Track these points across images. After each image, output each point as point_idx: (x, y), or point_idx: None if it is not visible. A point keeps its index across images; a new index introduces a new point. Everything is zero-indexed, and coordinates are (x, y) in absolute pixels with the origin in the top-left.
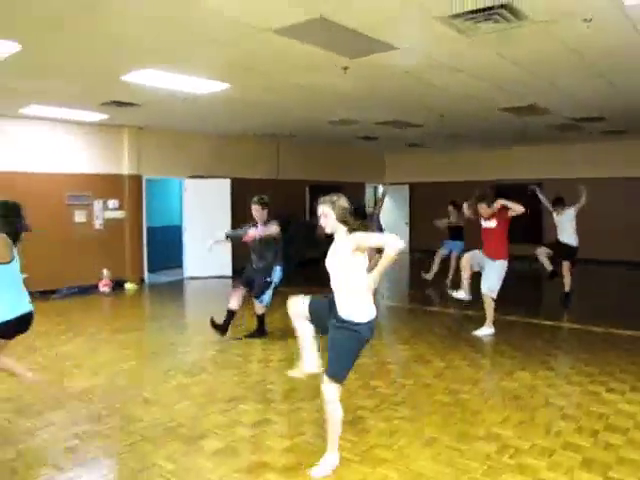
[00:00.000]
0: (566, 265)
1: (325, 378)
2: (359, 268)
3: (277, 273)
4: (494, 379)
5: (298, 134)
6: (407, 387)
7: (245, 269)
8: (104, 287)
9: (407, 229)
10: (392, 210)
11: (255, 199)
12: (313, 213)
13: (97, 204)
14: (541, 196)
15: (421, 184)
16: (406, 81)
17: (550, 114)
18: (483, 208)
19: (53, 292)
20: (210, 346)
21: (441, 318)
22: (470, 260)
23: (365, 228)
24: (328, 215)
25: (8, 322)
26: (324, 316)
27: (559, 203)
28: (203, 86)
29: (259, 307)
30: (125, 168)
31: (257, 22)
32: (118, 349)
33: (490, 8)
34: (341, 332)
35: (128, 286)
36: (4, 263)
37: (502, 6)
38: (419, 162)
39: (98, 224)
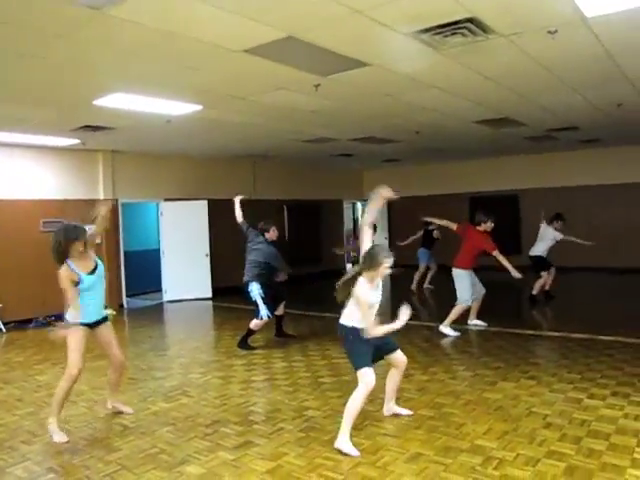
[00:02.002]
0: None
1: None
2: None
3: (252, 288)
4: (477, 391)
5: (273, 153)
6: None
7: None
8: None
9: (386, 244)
10: None
11: (260, 227)
12: (291, 232)
13: None
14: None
15: (399, 199)
16: (379, 97)
17: (524, 126)
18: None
19: (29, 321)
20: (190, 369)
21: (420, 331)
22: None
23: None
24: None
25: None
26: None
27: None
28: (176, 108)
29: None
30: (100, 192)
31: (227, 43)
32: (96, 377)
33: (457, 22)
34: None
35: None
36: None
37: (468, 20)
38: (397, 177)
39: None
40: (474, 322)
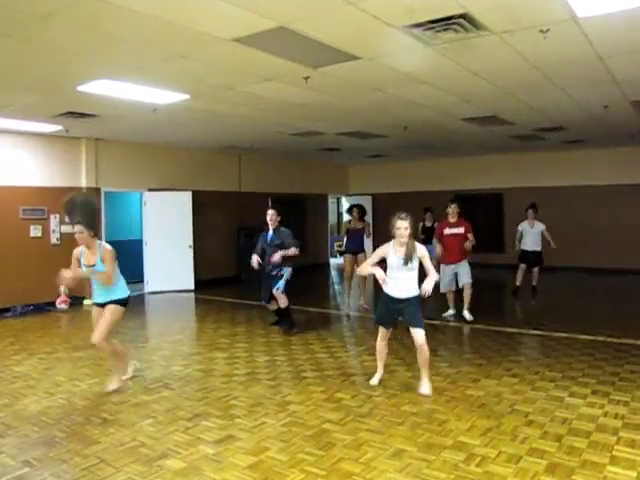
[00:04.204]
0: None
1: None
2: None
3: (287, 271)
4: (460, 387)
5: (259, 146)
6: (373, 398)
7: (262, 286)
8: (61, 304)
9: (370, 239)
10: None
11: (271, 205)
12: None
13: (53, 218)
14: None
15: (384, 195)
16: (369, 92)
17: (512, 125)
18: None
19: (7, 310)
20: (172, 361)
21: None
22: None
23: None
24: (409, 228)
25: None
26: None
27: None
28: (163, 97)
29: (280, 297)
30: (83, 181)
31: (217, 31)
32: (75, 368)
33: (449, 18)
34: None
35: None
36: None
37: (461, 16)
38: (382, 173)
39: (55, 239)
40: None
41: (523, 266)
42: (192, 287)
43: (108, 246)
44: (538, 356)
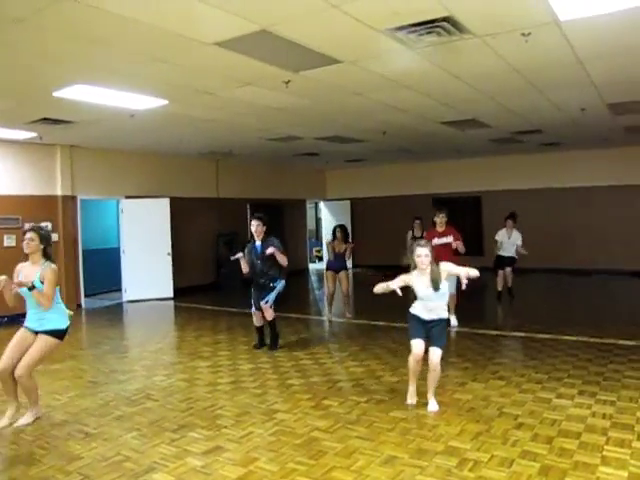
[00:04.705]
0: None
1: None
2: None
3: (281, 283)
4: (447, 392)
5: (238, 152)
6: (361, 405)
7: (253, 288)
8: None
9: (350, 260)
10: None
11: (255, 215)
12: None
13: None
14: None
15: (362, 199)
16: (349, 96)
17: (490, 128)
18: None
19: None
20: (154, 372)
21: (388, 332)
22: None
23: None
24: (429, 256)
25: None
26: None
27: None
28: (140, 102)
29: (267, 310)
30: (58, 189)
31: (199, 35)
32: (54, 380)
33: (433, 21)
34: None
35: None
36: None
37: (445, 19)
38: (360, 177)
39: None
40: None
41: (501, 272)
42: (171, 295)
43: (54, 266)
44: (523, 358)
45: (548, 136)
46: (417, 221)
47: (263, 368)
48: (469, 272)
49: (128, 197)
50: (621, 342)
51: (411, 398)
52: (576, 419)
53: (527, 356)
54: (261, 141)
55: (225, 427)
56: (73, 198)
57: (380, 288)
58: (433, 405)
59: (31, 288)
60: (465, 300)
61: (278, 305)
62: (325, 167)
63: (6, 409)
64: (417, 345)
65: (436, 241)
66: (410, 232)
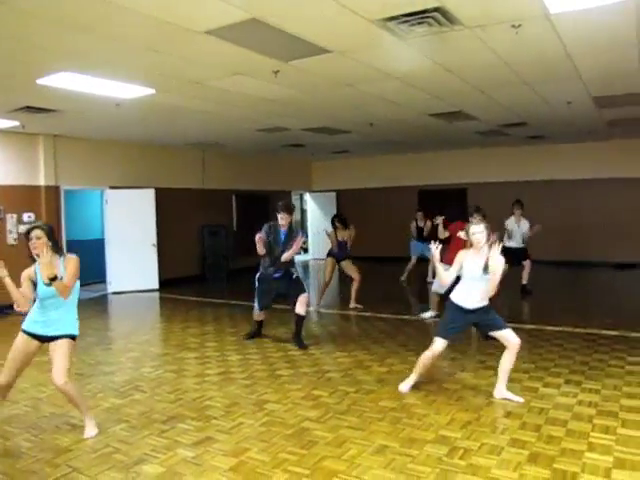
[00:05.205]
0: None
1: None
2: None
3: (294, 270)
4: (436, 381)
5: (224, 142)
6: (350, 395)
7: (264, 288)
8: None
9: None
10: (319, 218)
11: (283, 206)
12: (240, 222)
13: (10, 218)
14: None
15: (348, 191)
16: (338, 87)
17: (477, 120)
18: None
19: None
20: (141, 363)
21: (375, 323)
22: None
23: None
24: (484, 232)
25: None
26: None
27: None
28: (127, 91)
29: (302, 303)
30: (41, 179)
31: (188, 23)
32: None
33: (424, 11)
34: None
35: None
36: None
37: (436, 9)
38: (346, 169)
39: (12, 239)
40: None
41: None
42: (157, 286)
43: (75, 256)
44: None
45: (534, 129)
46: (419, 213)
47: (252, 359)
48: (495, 283)
49: (113, 187)
50: (605, 332)
51: (405, 385)
52: (563, 407)
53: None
54: (248, 132)
55: (215, 418)
56: (56, 188)
57: (444, 277)
58: (517, 397)
59: (53, 279)
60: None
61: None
62: (311, 158)
63: None
64: (439, 344)
65: (461, 234)
66: (414, 222)
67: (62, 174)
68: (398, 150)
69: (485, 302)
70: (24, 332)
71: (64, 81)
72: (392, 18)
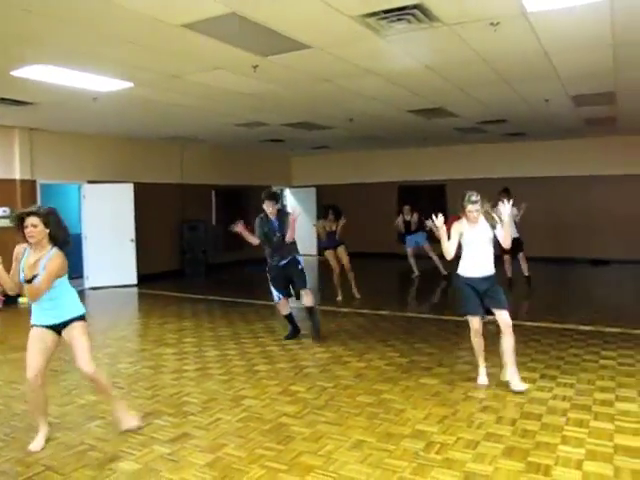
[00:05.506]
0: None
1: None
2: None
3: (302, 259)
4: (414, 376)
5: (203, 137)
6: (328, 390)
7: (274, 276)
8: None
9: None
10: (299, 213)
11: (268, 195)
12: (219, 217)
13: None
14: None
15: (328, 186)
16: (317, 82)
17: (456, 117)
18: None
19: None
20: (118, 359)
21: (354, 318)
22: None
23: None
24: (479, 210)
25: None
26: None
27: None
28: (104, 84)
29: (308, 295)
30: (17, 172)
31: (166, 16)
32: (12, 370)
33: (403, 8)
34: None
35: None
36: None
37: (415, 6)
38: (326, 164)
39: None
40: None
41: (507, 257)
42: (135, 282)
43: (59, 252)
44: (487, 343)
45: (513, 126)
46: (406, 206)
47: (229, 354)
48: (508, 230)
49: (90, 182)
50: (580, 327)
51: (482, 377)
52: (538, 402)
53: (491, 341)
54: (227, 126)
55: (192, 414)
56: (33, 182)
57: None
58: (517, 382)
59: (29, 280)
60: (430, 285)
61: (240, 290)
62: (291, 154)
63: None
64: (474, 320)
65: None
66: (400, 216)
67: (38, 168)
68: (378, 146)
69: (493, 270)
70: (34, 326)
71: (39, 73)
72: (372, 14)
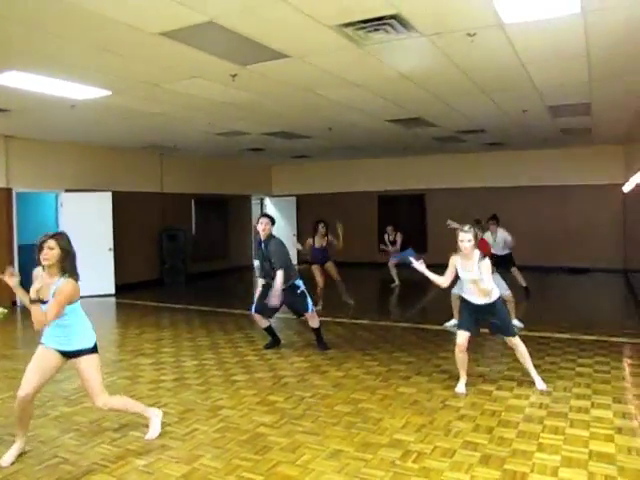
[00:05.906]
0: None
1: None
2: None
3: (301, 282)
4: (392, 385)
5: (183, 146)
6: (306, 400)
7: (262, 293)
8: None
9: (295, 240)
10: (279, 222)
11: (265, 214)
12: (199, 227)
13: None
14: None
15: (308, 195)
16: (296, 92)
17: (435, 127)
18: None
19: None
20: None
21: (332, 327)
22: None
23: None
24: (472, 240)
25: None
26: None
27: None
28: (82, 92)
29: (313, 318)
30: None
31: (143, 24)
32: None
33: (381, 18)
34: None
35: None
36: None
37: (392, 17)
38: (306, 173)
39: None
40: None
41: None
42: (113, 291)
43: (72, 280)
44: (468, 352)
45: (491, 136)
46: (389, 227)
47: (207, 364)
48: (486, 285)
49: (68, 190)
50: (557, 335)
51: (460, 386)
52: (515, 409)
53: (469, 350)
54: (206, 135)
55: (169, 425)
56: (8, 190)
57: (439, 282)
58: (540, 383)
59: (34, 301)
60: (410, 295)
61: (218, 299)
62: (270, 163)
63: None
64: (461, 336)
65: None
66: (386, 235)
67: (14, 176)
68: (358, 155)
69: (492, 299)
70: (42, 344)
71: (15, 80)
72: (349, 24)
